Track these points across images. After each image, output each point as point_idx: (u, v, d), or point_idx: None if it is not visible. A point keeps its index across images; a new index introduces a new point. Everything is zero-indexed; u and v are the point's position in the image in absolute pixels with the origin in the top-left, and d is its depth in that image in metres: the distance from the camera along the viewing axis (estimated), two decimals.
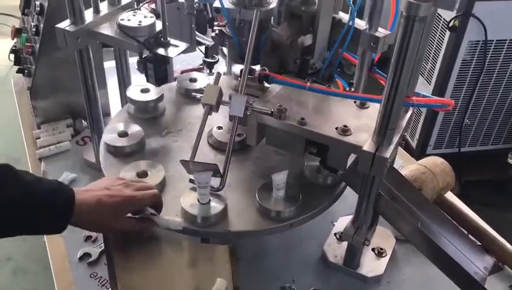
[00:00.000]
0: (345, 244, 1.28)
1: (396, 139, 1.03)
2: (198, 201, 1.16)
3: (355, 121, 1.13)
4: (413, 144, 2.87)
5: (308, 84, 1.15)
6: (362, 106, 1.19)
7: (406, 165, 1.56)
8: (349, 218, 1.21)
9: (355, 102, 1.20)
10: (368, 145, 1.01)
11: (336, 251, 1.32)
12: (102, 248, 1.30)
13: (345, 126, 1.10)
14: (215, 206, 1.16)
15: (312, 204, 1.21)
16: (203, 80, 1.60)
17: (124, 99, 1.58)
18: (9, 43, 1.92)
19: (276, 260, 1.31)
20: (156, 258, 1.11)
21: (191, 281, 1.07)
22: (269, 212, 1.17)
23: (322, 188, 1.27)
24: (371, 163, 1.00)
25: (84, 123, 1.75)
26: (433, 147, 2.80)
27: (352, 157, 1.15)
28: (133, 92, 1.49)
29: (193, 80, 1.60)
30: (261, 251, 1.33)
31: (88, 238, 1.36)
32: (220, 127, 1.40)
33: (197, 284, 1.07)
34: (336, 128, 1.10)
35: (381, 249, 1.31)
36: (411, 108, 1.13)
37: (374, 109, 1.15)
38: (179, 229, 1.12)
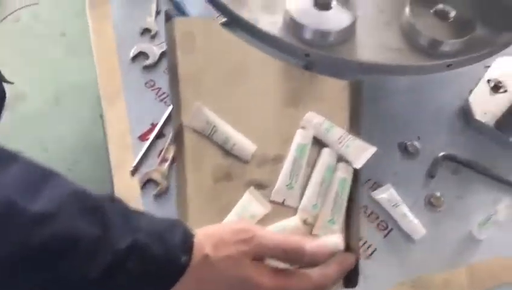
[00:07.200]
0: (502, 97, 0.89)
1: None
2: None
3: None
4: None
5: None
6: None
7: None
8: None
9: None
10: None
11: (485, 105, 0.92)
12: None
13: None
14: (341, 16, 0.75)
15: (484, 39, 0.79)
16: None
17: None
18: None
19: (400, 111, 0.94)
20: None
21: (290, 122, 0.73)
22: (420, 38, 0.76)
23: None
24: None
25: None
26: None
27: None
28: None
29: None
30: (382, 94, 0.95)
31: None
32: None
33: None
34: None
35: None
36: None
37: None
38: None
